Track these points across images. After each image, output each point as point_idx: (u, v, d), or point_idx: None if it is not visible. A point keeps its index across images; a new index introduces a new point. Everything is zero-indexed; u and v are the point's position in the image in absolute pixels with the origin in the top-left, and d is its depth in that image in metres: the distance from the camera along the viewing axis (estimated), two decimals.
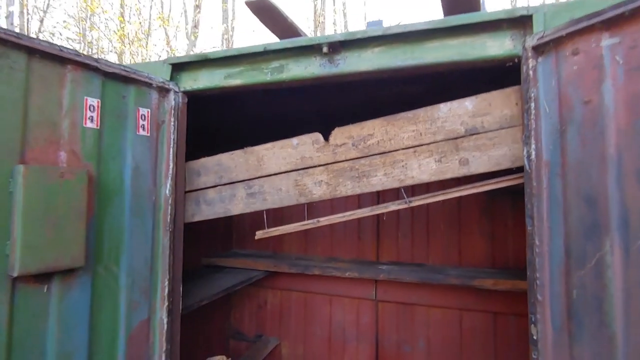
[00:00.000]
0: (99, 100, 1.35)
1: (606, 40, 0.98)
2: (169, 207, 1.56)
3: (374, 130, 1.48)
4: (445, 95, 1.48)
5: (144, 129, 1.50)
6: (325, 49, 1.40)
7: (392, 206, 1.45)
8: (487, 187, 1.39)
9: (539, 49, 1.13)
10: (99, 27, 10.86)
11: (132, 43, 9.37)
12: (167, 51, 10.58)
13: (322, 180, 1.53)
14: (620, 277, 0.92)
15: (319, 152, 1.54)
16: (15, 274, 1.07)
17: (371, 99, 2.12)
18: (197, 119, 2.14)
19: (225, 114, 2.30)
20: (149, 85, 1.52)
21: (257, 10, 1.96)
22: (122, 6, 10.87)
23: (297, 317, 3.08)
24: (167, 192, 1.56)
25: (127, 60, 9.57)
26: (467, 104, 1.38)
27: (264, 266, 2.70)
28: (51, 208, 1.15)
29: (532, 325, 1.10)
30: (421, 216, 2.84)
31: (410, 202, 1.42)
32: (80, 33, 10.84)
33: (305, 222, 1.59)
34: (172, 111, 1.60)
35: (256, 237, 1.68)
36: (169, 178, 1.56)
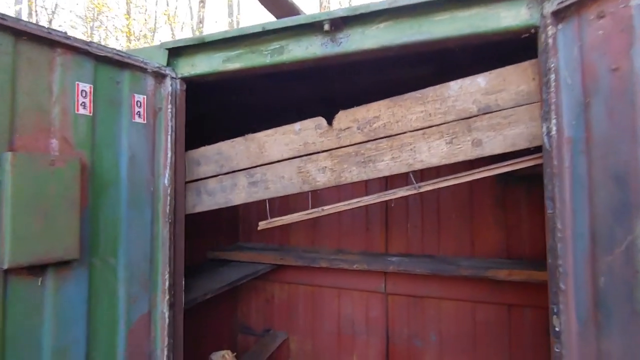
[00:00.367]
0: (92, 86, 1.30)
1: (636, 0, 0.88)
2: (168, 198, 1.50)
3: (380, 112, 1.40)
4: (455, 78, 1.39)
5: (139, 116, 1.44)
6: (326, 27, 1.32)
7: (401, 192, 1.37)
8: (503, 169, 1.29)
9: (559, 15, 1.03)
10: (106, 27, 10.91)
11: (138, 39, 9.38)
12: None
13: (326, 167, 1.45)
14: None
15: (323, 137, 1.47)
16: (5, 266, 1.03)
17: (376, 84, 2.04)
18: (198, 107, 2.09)
19: (226, 104, 2.24)
20: (144, 70, 1.46)
21: None
22: (127, 4, 10.90)
23: (305, 311, 3.02)
24: (166, 182, 1.51)
25: None
26: (480, 81, 1.28)
27: (270, 259, 2.64)
28: (42, 197, 1.10)
29: (555, 316, 1.02)
30: (431, 206, 2.75)
31: (419, 187, 1.34)
32: (87, 32, 10.92)
33: (310, 210, 1.52)
34: (169, 98, 1.54)
35: (259, 228, 1.61)
36: (168, 167, 1.51)
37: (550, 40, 1.05)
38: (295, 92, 2.12)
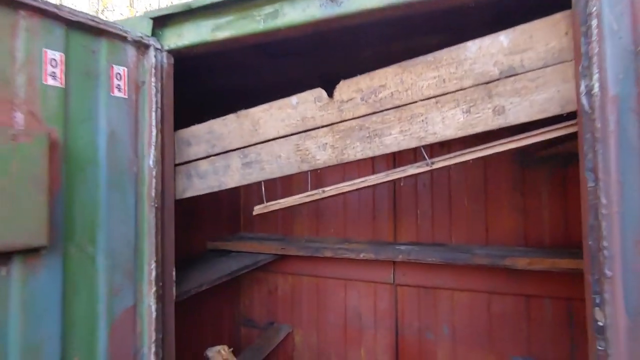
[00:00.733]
0: (63, 54, 1.16)
1: None
2: (154, 180, 1.36)
3: (387, 81, 1.24)
4: None
5: (119, 89, 1.30)
6: None
7: (411, 169, 1.21)
8: (531, 139, 1.12)
9: None
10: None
11: None
12: None
13: (326, 143, 1.30)
14: None
15: (323, 110, 1.31)
16: None
17: (381, 58, 1.86)
18: (188, 87, 1.94)
19: (219, 83, 2.08)
20: (123, 39, 1.31)
21: None
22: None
23: (310, 303, 2.89)
24: (151, 163, 1.37)
25: None
26: (502, 39, 1.11)
27: (271, 249, 2.51)
28: (1, 176, 0.97)
29: (597, 308, 0.86)
30: (442, 191, 2.58)
31: (432, 163, 1.18)
32: None
33: (309, 192, 1.37)
34: (154, 71, 1.39)
35: (254, 213, 1.48)
36: (153, 147, 1.37)
37: None
38: (292, 71, 1.95)
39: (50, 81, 1.12)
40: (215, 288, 2.74)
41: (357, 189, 1.31)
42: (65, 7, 1.18)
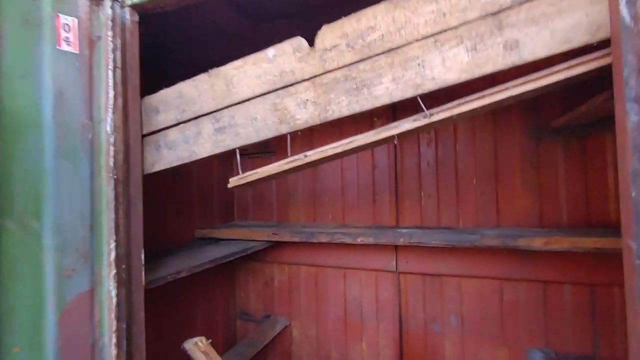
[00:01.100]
0: None
1: None
2: (112, 149, 1.19)
3: (376, 21, 1.04)
4: None
5: (68, 43, 1.13)
6: None
7: (406, 124, 1.02)
8: (552, 78, 0.91)
9: None
10: None
11: None
12: None
13: (307, 100, 1.11)
14: None
15: (303, 62, 1.12)
16: None
17: None
18: (164, 60, 1.77)
19: (198, 55, 1.88)
20: None
21: None
22: None
23: (308, 294, 2.72)
24: (109, 129, 1.20)
25: None
26: None
27: (262, 236, 2.33)
28: None
29: None
30: (448, 170, 2.37)
31: (430, 115, 0.98)
32: None
33: (290, 158, 1.19)
34: (110, 24, 1.22)
35: (229, 185, 1.30)
36: (110, 111, 1.20)
37: None
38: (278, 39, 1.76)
39: None
40: (208, 280, 2.60)
41: (344, 152, 1.12)
42: None
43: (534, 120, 2.16)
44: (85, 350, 1.13)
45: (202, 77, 1.28)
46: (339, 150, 1.10)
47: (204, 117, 1.29)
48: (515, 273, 2.15)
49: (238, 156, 1.26)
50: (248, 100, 1.21)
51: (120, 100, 1.23)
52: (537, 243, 1.77)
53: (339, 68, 1.08)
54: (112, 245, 1.18)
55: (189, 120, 1.31)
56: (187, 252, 2.02)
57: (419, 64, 0.98)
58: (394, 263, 2.44)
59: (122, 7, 1.27)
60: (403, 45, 1.01)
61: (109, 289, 1.17)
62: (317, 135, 2.59)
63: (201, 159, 1.31)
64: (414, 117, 1.01)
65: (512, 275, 2.16)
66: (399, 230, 2.20)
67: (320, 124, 1.13)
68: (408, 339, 2.43)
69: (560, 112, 2.04)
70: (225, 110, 1.25)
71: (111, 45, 1.20)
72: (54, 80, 1.09)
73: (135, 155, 1.31)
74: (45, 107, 1.07)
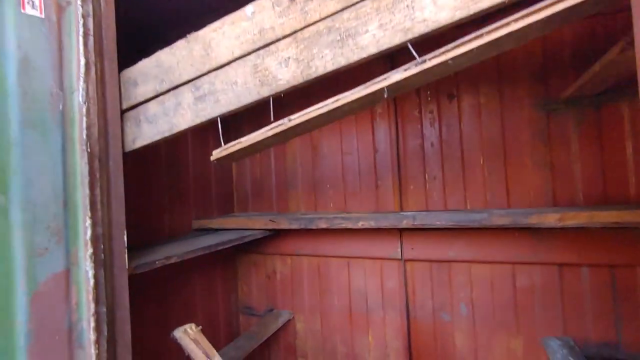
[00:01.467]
0: None
1: None
2: (84, 120, 1.12)
3: None
4: None
5: (33, 6, 1.06)
6: None
7: (396, 75, 0.91)
8: (561, 5, 0.78)
9: None
10: None
11: None
12: None
13: (289, 57, 1.02)
14: None
15: (283, 16, 1.03)
16: None
17: None
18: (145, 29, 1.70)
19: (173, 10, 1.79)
20: None
21: None
22: None
23: (311, 286, 2.62)
24: (81, 99, 1.13)
25: None
26: None
27: (260, 224, 2.25)
28: None
29: None
30: (453, 150, 2.25)
31: (422, 62, 0.87)
32: None
33: (274, 124, 1.09)
34: None
35: (212, 158, 1.21)
36: (82, 80, 1.13)
37: None
38: None
39: None
40: (209, 274, 2.52)
41: (331, 113, 1.03)
42: None
43: (543, 92, 2.03)
44: (61, 335, 1.05)
45: (180, 44, 1.21)
46: (325, 110, 1.00)
47: (183, 86, 1.21)
48: (528, 256, 2.02)
49: (220, 126, 1.17)
50: (228, 64, 1.13)
51: (94, 71, 1.16)
52: (551, 219, 1.64)
53: (322, 19, 0.99)
54: (88, 222, 1.10)
55: (168, 90, 1.23)
56: (182, 242, 1.95)
57: (407, 6, 0.88)
58: (399, 250, 2.33)
59: None
60: None
61: (86, 269, 1.10)
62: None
63: (182, 131, 1.22)
64: (405, 66, 0.90)
65: (525, 258, 2.03)
66: (401, 214, 2.09)
67: (307, 86, 1.04)
68: (416, 329, 2.31)
69: (571, 81, 1.91)
70: (204, 77, 1.17)
71: (81, 10, 1.13)
72: (19, 45, 1.02)
73: (114, 130, 1.24)
74: (9, 74, 1.01)
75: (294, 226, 2.17)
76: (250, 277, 2.84)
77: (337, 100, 0.99)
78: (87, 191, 1.11)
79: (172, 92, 1.23)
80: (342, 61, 0.96)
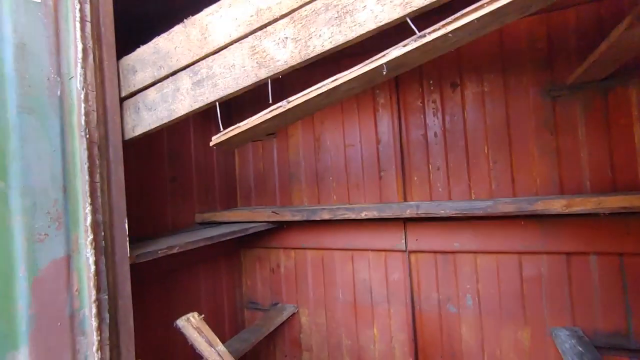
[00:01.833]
0: None
1: None
2: (82, 105, 1.11)
3: None
4: None
5: None
6: None
7: (395, 51, 0.89)
8: None
9: None
10: None
11: None
12: None
13: (286, 37, 1.01)
14: None
15: None
16: None
17: None
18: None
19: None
20: None
21: None
22: None
23: (315, 279, 2.61)
24: (79, 85, 1.12)
25: None
26: None
27: (263, 217, 2.24)
28: None
29: None
30: (457, 140, 2.22)
31: (422, 36, 0.85)
32: None
33: (272, 107, 1.08)
34: None
35: (211, 143, 1.20)
36: (79, 66, 1.12)
37: None
38: None
39: None
40: (214, 270, 2.52)
41: (330, 93, 1.01)
42: None
43: (548, 78, 1.99)
44: (63, 321, 1.05)
45: (177, 29, 1.20)
46: (324, 90, 0.98)
47: (181, 71, 1.20)
48: (535, 245, 1.99)
49: (218, 111, 1.16)
50: (225, 47, 1.12)
51: (92, 58, 1.15)
52: (557, 206, 1.61)
53: None
54: (88, 209, 1.10)
55: (167, 76, 1.22)
56: (184, 234, 1.95)
57: None
58: (404, 242, 2.30)
59: None
60: None
61: (87, 256, 1.09)
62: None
63: (181, 117, 1.21)
64: (405, 41, 0.88)
65: (532, 248, 2.00)
66: (405, 203, 2.07)
67: (304, 66, 1.03)
68: (421, 321, 2.29)
69: (576, 66, 1.87)
70: (202, 61, 1.16)
71: None
72: (15, 30, 1.02)
73: (114, 118, 1.24)
74: (6, 58, 1.00)
75: (297, 218, 2.16)
76: (255, 272, 2.83)
77: (335, 80, 0.97)
78: (87, 177, 1.11)
79: (170, 78, 1.22)
80: (341, 39, 0.94)
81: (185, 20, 1.18)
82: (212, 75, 1.14)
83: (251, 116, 1.13)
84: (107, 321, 1.13)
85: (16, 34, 1.02)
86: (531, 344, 2.03)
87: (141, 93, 1.28)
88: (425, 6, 0.84)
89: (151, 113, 1.26)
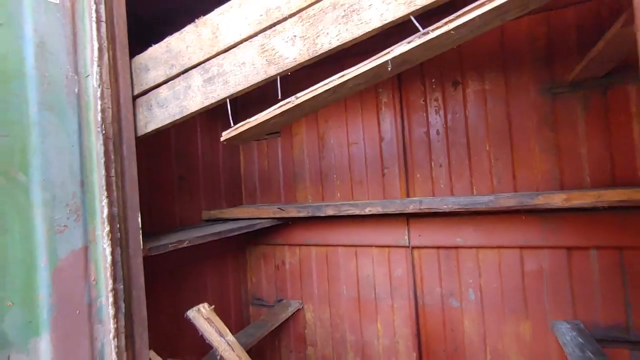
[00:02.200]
0: None
1: None
2: (99, 102, 1.16)
3: None
4: None
5: None
6: None
7: (399, 48, 0.93)
8: None
9: None
10: None
11: None
12: None
13: (295, 35, 1.05)
14: None
15: None
16: None
17: None
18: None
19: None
20: None
21: None
22: None
23: (320, 275, 2.65)
24: (95, 82, 1.16)
25: None
26: None
27: (269, 213, 2.28)
28: None
29: None
30: (459, 137, 2.26)
31: (425, 33, 0.89)
32: None
33: (281, 103, 1.12)
34: None
35: (222, 139, 1.24)
36: (95, 64, 1.17)
37: None
38: None
39: None
40: (219, 266, 2.56)
41: (337, 89, 1.05)
42: None
43: (548, 76, 2.03)
44: (82, 310, 1.09)
45: (188, 28, 1.24)
46: (331, 86, 1.03)
47: (192, 69, 1.24)
48: (536, 240, 2.02)
49: (229, 107, 1.21)
50: (235, 45, 1.16)
51: (107, 56, 1.20)
52: (557, 200, 1.65)
53: None
54: (105, 202, 1.14)
55: (178, 74, 1.27)
56: (192, 229, 1.99)
57: None
58: (407, 237, 2.34)
59: None
60: None
61: (104, 247, 1.14)
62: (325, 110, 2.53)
63: (193, 114, 1.26)
64: (409, 38, 0.93)
65: (533, 242, 2.04)
66: (408, 199, 2.11)
67: (311, 63, 1.07)
68: (425, 316, 2.32)
69: (576, 64, 1.91)
70: (213, 59, 1.20)
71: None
72: (35, 30, 1.06)
73: (127, 115, 1.28)
74: (27, 57, 1.05)
75: (302, 214, 2.20)
76: (260, 269, 2.87)
77: (342, 76, 1.02)
78: (103, 172, 1.15)
79: (182, 76, 1.26)
80: (347, 36, 0.99)
81: (196, 20, 1.22)
82: (223, 72, 1.18)
83: (256, 113, 1.17)
84: (123, 310, 1.17)
85: (36, 33, 1.07)
86: (533, 337, 2.06)
87: (153, 91, 1.32)
88: (429, 4, 0.88)
89: (163, 110, 1.30)
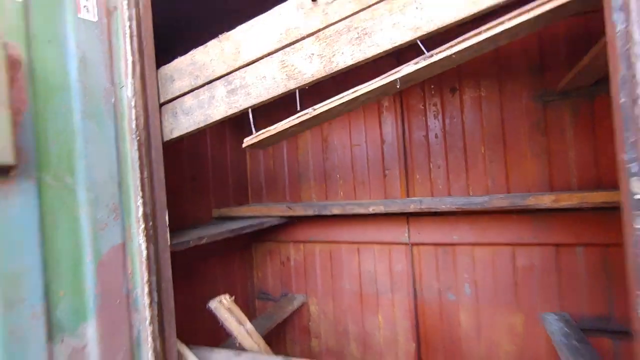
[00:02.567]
0: None
1: None
2: (133, 111, 1.28)
3: None
4: None
5: (87, 11, 1.21)
6: None
7: (407, 68, 1.06)
8: (549, 5, 0.93)
9: None
10: None
11: None
12: None
13: (313, 54, 1.18)
14: None
15: (307, 17, 1.19)
16: None
17: None
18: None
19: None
20: None
21: None
22: None
23: (324, 271, 2.78)
24: (129, 93, 1.28)
25: None
26: None
27: (277, 211, 2.41)
28: None
29: (634, 178, 0.70)
30: (456, 141, 2.40)
31: (431, 56, 1.03)
32: None
33: (300, 113, 1.25)
34: None
35: (244, 145, 1.37)
36: (130, 76, 1.28)
37: None
38: None
39: None
40: (226, 262, 2.69)
41: (350, 102, 1.18)
42: None
43: (540, 84, 2.18)
44: (122, 299, 1.21)
45: (212, 43, 1.36)
46: (345, 100, 1.16)
47: (216, 81, 1.36)
48: (528, 238, 2.17)
49: (251, 116, 1.33)
50: (257, 60, 1.28)
51: (138, 68, 1.32)
52: (546, 201, 1.79)
53: (341, 19, 1.14)
54: (140, 202, 1.26)
55: (203, 85, 1.38)
56: (206, 227, 2.11)
57: (416, 7, 1.03)
58: (407, 235, 2.48)
59: None
60: None
61: (139, 243, 1.26)
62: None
63: (217, 122, 1.38)
64: (415, 60, 1.06)
65: (524, 240, 2.18)
66: (409, 198, 2.24)
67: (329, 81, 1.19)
68: (423, 309, 2.47)
69: (565, 74, 2.05)
70: (236, 72, 1.32)
71: (127, 14, 1.29)
72: (77, 46, 1.18)
73: (154, 122, 1.40)
74: (71, 71, 1.16)
75: (309, 212, 2.33)
76: (266, 264, 3.00)
77: (355, 91, 1.14)
78: (138, 174, 1.27)
79: (206, 87, 1.38)
80: (360, 56, 1.11)
81: (219, 35, 1.34)
82: (245, 85, 1.30)
83: (263, 118, 1.30)
84: (156, 300, 1.30)
85: (78, 49, 1.18)
86: (524, 328, 2.22)
87: (178, 99, 1.44)
88: (434, 31, 1.02)
89: (188, 117, 1.42)
